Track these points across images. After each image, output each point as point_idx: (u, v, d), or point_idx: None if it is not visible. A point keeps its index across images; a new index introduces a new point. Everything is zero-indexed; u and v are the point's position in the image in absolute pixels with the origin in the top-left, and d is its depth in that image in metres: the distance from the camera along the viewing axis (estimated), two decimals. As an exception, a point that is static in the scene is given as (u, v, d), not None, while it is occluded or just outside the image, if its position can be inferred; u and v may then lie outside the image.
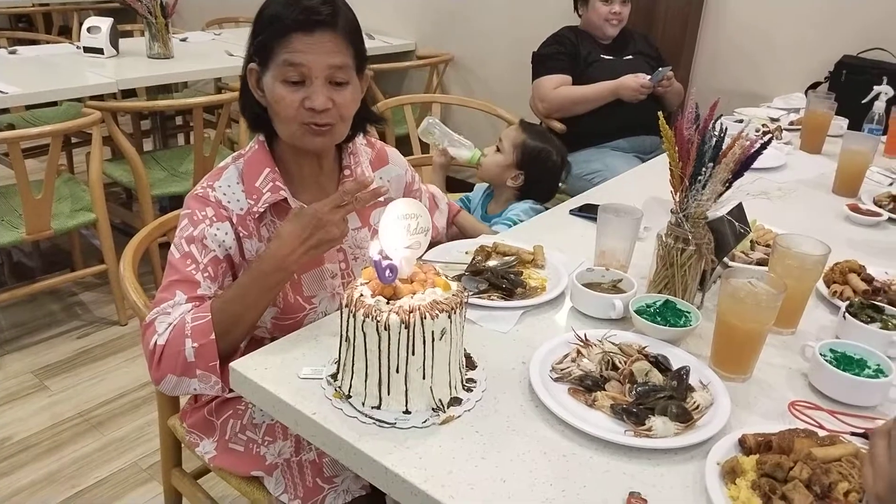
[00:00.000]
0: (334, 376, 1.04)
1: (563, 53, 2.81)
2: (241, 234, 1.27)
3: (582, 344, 1.14)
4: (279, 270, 1.18)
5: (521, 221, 1.82)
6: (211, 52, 3.53)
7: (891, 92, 2.35)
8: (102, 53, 3.23)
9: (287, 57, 1.18)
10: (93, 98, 2.83)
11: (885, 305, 1.25)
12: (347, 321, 0.96)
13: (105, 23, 3.25)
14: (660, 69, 2.67)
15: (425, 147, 2.99)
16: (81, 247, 3.04)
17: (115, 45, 3.28)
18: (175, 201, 3.28)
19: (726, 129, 1.20)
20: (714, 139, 1.19)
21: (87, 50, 3.25)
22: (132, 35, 4.06)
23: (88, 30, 3.25)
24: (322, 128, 1.23)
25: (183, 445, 1.49)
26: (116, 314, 2.75)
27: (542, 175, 2.04)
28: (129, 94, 3.70)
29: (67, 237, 2.95)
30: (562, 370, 1.08)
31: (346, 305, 0.96)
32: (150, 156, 3.16)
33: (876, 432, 0.66)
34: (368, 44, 4.59)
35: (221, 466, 1.33)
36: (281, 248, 1.17)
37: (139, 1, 3.18)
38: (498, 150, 2.03)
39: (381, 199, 1.41)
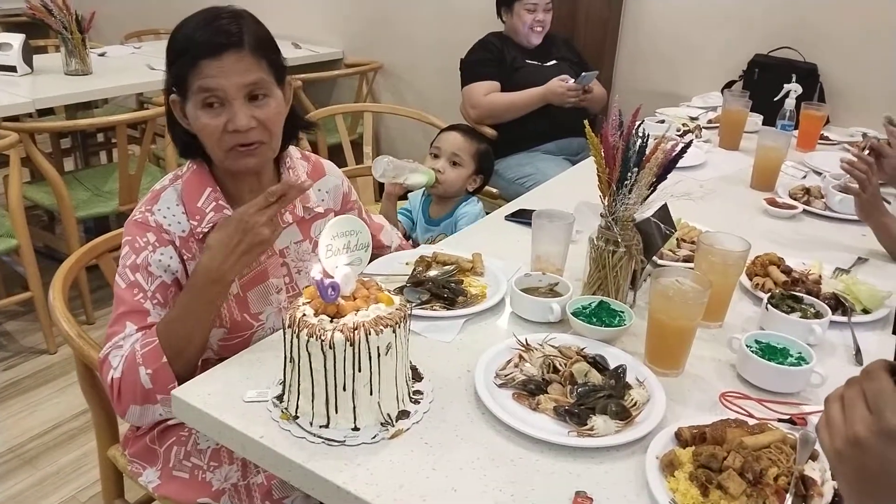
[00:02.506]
0: (280, 398, 1.03)
1: (490, 60, 2.87)
2: (184, 257, 1.25)
3: (523, 349, 1.17)
4: (215, 282, 1.17)
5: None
6: (131, 67, 3.43)
7: (800, 89, 2.49)
8: (15, 71, 3.10)
9: (201, 83, 1.18)
10: (6, 119, 2.71)
11: (804, 295, 1.33)
12: (291, 342, 0.96)
13: (17, 39, 3.11)
14: (584, 74, 2.74)
15: (359, 157, 2.99)
16: (3, 274, 2.91)
17: (28, 62, 3.16)
18: (100, 223, 3.17)
19: (649, 134, 1.26)
20: (637, 144, 1.24)
21: (-3, 68, 3.11)
22: (46, 51, 3.90)
23: (-2, 47, 3.12)
24: (250, 147, 1.23)
25: (125, 475, 1.45)
26: (45, 343, 2.64)
27: (491, 167, 2.20)
28: (45, 112, 3.56)
29: (-14, 265, 2.82)
30: (505, 376, 1.11)
31: (289, 326, 0.96)
32: (73, 176, 3.05)
33: (829, 398, 0.68)
34: (295, 53, 4.46)
35: (166, 495, 1.30)
36: (213, 259, 1.16)
37: (52, 16, 3.06)
38: (455, 164, 2.08)
39: (322, 210, 1.41)
